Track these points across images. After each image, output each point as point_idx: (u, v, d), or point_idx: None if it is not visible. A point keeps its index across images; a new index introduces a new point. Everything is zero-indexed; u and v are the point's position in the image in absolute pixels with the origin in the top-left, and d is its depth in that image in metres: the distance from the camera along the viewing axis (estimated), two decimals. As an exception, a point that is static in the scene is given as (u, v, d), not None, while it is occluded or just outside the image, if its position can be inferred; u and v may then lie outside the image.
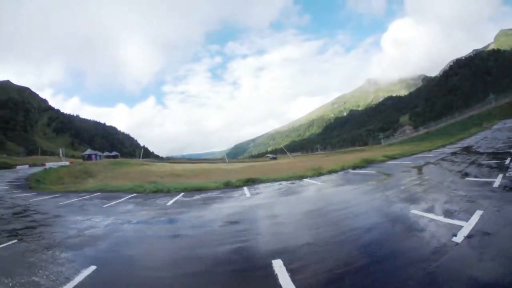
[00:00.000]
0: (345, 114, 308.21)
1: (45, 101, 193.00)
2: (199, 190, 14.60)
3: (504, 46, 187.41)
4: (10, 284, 4.26)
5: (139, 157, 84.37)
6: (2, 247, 6.42)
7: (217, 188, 14.63)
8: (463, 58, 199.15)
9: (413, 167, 14.58)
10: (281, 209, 8.53)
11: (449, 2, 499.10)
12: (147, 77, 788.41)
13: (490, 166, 11.64)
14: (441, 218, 5.77)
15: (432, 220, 5.76)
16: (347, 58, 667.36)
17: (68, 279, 4.36)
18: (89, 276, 4.49)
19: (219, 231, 6.74)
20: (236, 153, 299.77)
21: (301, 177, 15.62)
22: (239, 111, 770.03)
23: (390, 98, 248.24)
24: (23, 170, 53.60)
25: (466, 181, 9.34)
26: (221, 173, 26.56)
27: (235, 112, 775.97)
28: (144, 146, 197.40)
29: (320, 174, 16.25)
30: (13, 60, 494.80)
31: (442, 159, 16.92)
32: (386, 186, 10.15)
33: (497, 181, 8.49)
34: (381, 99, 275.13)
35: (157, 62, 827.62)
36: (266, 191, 12.41)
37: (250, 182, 15.61)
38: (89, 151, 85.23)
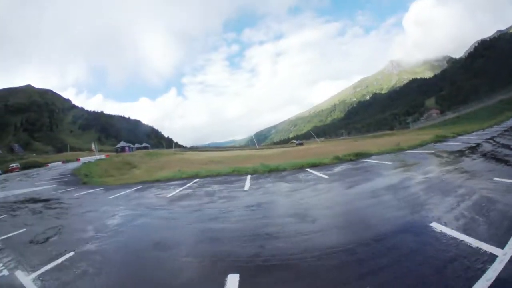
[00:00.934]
0: (368, 97, 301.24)
1: (68, 100, 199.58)
2: (273, 171, 15.06)
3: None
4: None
5: (172, 147, 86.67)
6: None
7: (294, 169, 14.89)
8: (488, 39, 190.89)
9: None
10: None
11: None
12: (167, 69, 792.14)
13: None
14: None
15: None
16: (368, 40, 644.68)
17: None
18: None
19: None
20: (258, 140, 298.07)
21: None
22: (258, 99, 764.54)
23: (414, 80, 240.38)
24: (58, 166, 55.91)
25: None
26: (260, 159, 26.42)
27: (255, 100, 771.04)
28: (168, 137, 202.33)
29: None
30: (33, 64, 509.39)
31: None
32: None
33: None
34: (405, 82, 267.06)
35: (176, 54, 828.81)
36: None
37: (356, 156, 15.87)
38: (122, 144, 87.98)
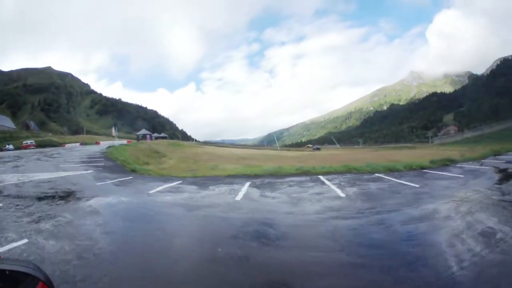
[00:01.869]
0: (385, 108, 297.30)
1: (87, 85, 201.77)
2: (352, 171, 16.21)
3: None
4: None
5: (187, 140, 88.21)
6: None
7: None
8: (510, 57, 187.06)
9: None
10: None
11: None
12: (187, 63, 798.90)
13: None
14: None
15: None
16: (390, 48, 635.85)
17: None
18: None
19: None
20: (269, 141, 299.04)
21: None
22: (274, 100, 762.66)
23: (434, 94, 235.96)
24: (78, 148, 53.16)
25: None
26: (294, 160, 27.29)
27: (271, 100, 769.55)
28: (182, 129, 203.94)
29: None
30: (56, 47, 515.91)
31: None
32: None
33: None
34: (424, 95, 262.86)
35: (198, 49, 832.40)
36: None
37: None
38: (144, 131, 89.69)
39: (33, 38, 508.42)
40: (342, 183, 12.29)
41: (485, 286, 3.70)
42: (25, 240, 5.37)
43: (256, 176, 15.47)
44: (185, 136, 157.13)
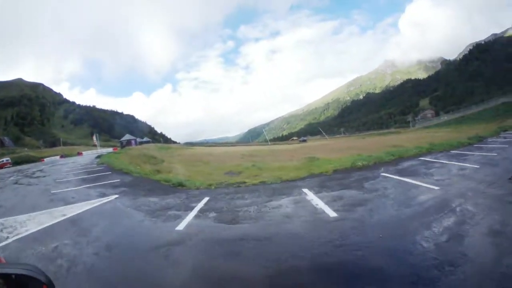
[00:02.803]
0: (361, 97, 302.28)
1: (59, 94, 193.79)
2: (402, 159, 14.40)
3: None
4: None
5: (168, 143, 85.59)
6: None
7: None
8: (483, 42, 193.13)
9: None
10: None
11: None
12: (162, 65, 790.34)
13: None
14: None
15: None
16: (363, 39, 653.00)
17: None
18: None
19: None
20: (251, 138, 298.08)
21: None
22: (252, 96, 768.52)
23: (409, 81, 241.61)
24: (59, 161, 46.44)
25: None
26: (297, 153, 26.39)
27: (249, 97, 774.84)
28: (161, 132, 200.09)
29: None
30: (25, 58, 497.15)
31: None
32: None
33: None
34: (398, 82, 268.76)
35: (172, 50, 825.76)
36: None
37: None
38: (128, 136, 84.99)
39: (0, 49, 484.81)
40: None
41: None
42: None
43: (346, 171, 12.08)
44: (165, 139, 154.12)
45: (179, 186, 11.73)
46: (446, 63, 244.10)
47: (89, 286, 4.21)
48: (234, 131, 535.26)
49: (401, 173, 10.60)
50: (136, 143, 76.77)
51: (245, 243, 5.32)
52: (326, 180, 10.64)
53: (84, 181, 15.82)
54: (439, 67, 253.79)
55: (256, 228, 6.08)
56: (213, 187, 10.97)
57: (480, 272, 3.59)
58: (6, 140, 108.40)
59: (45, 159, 60.41)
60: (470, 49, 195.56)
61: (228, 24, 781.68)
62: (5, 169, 43.00)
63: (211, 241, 5.57)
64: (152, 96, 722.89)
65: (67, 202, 10.10)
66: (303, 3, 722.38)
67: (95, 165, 25.95)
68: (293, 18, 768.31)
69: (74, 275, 4.40)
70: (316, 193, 8.54)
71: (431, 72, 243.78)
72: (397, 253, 4.33)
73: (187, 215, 7.35)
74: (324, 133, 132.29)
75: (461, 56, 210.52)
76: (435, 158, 13.70)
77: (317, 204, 7.33)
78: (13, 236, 6.54)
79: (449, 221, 5.40)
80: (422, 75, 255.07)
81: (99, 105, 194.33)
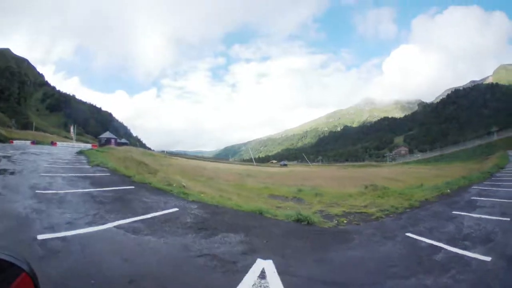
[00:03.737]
0: (339, 129, 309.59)
1: (41, 75, 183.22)
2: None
3: (503, 80, 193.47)
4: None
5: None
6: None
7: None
8: (461, 88, 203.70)
9: None
10: None
11: (454, 34, 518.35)
12: (151, 68, 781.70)
13: None
14: None
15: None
16: (348, 75, 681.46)
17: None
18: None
19: None
20: (226, 155, 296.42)
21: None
22: (234, 114, 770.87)
23: (386, 118, 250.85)
24: (31, 148, 39.93)
25: None
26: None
27: (231, 115, 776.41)
28: (136, 136, 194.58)
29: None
30: (18, 28, 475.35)
31: None
32: None
33: None
34: (375, 119, 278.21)
35: (165, 55, 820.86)
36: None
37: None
38: (108, 134, 76.89)
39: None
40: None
41: None
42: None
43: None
44: (141, 144, 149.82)
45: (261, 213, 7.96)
46: (423, 105, 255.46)
47: None
48: (210, 146, 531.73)
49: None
50: (116, 143, 71.95)
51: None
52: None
53: (97, 201, 7.99)
54: (416, 108, 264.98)
55: None
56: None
57: None
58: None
59: (14, 142, 56.78)
60: (448, 93, 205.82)
61: (223, 41, 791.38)
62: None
63: None
64: (134, 98, 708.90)
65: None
66: (301, 34, 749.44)
67: (87, 165, 19.08)
68: (285, 46, 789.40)
69: None
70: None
71: (408, 112, 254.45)
72: None
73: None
74: (307, 160, 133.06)
75: (438, 100, 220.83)
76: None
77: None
78: None
79: None
80: (398, 114, 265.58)
81: (79, 96, 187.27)
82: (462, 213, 8.63)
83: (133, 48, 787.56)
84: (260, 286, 3.56)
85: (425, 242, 5.73)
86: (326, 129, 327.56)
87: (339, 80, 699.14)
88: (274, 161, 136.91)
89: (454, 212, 8.83)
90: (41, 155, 25.99)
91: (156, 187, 11.23)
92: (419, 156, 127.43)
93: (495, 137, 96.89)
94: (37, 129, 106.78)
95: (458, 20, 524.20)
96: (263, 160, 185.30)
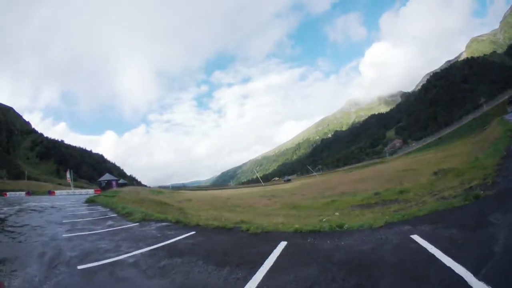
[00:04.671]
0: (330, 135, 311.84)
1: (28, 123, 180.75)
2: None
3: (476, 52, 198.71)
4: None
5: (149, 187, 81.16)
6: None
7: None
8: (439, 70, 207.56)
9: None
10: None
11: (421, 21, 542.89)
12: (137, 105, 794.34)
13: None
14: None
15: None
16: (328, 83, 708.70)
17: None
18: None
19: None
20: (224, 181, 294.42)
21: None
22: (224, 139, 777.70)
23: (373, 116, 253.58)
24: (26, 200, 36.24)
25: None
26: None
27: (221, 140, 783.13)
28: (131, 175, 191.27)
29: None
30: (1, 78, 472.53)
31: None
32: None
33: None
34: (363, 118, 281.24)
35: (149, 91, 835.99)
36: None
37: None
38: (108, 176, 73.44)
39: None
40: None
41: None
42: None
43: None
44: (137, 182, 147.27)
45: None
46: (406, 95, 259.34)
47: None
48: (206, 175, 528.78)
49: None
50: (117, 185, 70.03)
51: None
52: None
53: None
54: (399, 100, 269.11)
55: None
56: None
57: None
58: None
59: (7, 194, 53.80)
60: (427, 78, 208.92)
61: (204, 69, 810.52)
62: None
63: None
64: (124, 136, 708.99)
65: None
66: (277, 52, 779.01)
67: (125, 220, 12.79)
68: (264, 65, 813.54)
69: None
70: None
71: (392, 106, 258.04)
72: None
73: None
74: (312, 170, 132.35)
75: (419, 87, 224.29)
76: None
77: None
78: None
79: None
80: (384, 109, 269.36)
81: (68, 141, 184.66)
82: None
83: (117, 86, 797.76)
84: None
85: None
86: (318, 137, 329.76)
87: (321, 88, 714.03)
88: (277, 178, 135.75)
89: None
90: (45, 211, 19.59)
91: (230, 229, 8.48)
92: (414, 144, 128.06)
93: (485, 108, 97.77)
94: (29, 178, 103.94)
95: (421, 7, 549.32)
96: (263, 180, 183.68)
